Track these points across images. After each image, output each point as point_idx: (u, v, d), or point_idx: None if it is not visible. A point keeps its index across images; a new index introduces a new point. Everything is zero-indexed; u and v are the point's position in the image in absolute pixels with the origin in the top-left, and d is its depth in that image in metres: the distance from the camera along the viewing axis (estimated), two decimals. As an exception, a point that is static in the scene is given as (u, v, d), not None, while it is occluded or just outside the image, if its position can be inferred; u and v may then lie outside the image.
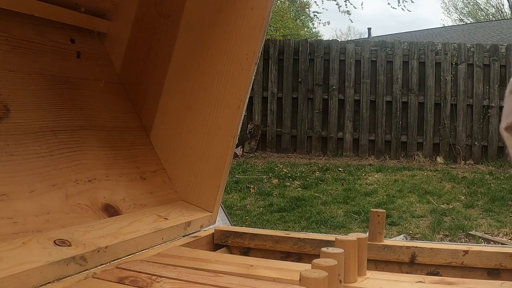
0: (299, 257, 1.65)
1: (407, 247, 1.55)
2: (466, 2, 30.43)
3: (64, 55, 1.72)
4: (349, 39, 26.69)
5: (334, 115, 8.83)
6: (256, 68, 1.70)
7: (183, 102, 1.83)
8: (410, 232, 5.04)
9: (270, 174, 7.47)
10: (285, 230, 4.51)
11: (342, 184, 6.98)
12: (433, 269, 1.54)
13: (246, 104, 1.74)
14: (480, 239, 4.71)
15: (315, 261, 1.07)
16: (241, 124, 1.75)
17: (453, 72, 8.45)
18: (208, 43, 1.78)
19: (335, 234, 3.30)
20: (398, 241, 1.73)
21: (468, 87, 8.42)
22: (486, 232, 4.99)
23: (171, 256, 1.42)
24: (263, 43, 1.71)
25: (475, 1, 30.15)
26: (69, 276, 1.20)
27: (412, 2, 11.85)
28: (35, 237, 1.24)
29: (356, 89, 8.79)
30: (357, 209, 5.78)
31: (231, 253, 1.73)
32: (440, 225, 5.22)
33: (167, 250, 1.48)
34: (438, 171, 7.65)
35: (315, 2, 20.40)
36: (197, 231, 1.73)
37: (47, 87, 1.59)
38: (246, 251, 1.72)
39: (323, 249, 1.16)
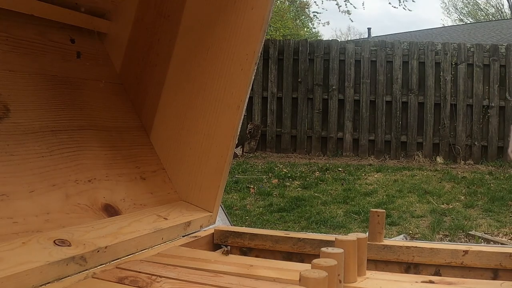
0: (299, 257, 1.65)
1: (407, 247, 1.55)
2: (466, 2, 30.45)
3: (64, 55, 1.72)
4: (349, 39, 26.74)
5: (334, 115, 8.83)
6: (256, 68, 1.70)
7: (183, 102, 1.83)
8: (410, 232, 5.04)
9: (270, 174, 7.47)
10: (285, 230, 4.51)
11: (342, 184, 6.98)
12: (433, 269, 1.54)
13: (246, 104, 1.74)
14: (480, 239, 4.71)
15: (315, 261, 1.07)
16: (241, 124, 1.75)
17: (453, 72, 8.45)
18: (208, 43, 1.78)
19: (335, 234, 3.29)
20: (398, 241, 1.72)
21: (468, 87, 8.42)
22: (486, 232, 4.99)
23: (171, 256, 1.42)
24: (263, 43, 1.71)
25: (475, 1, 30.16)
26: (69, 276, 1.20)
27: (413, 1, 11.85)
28: (35, 237, 1.24)
29: (356, 89, 8.79)
30: (357, 209, 5.78)
31: (231, 253, 1.73)
32: (440, 225, 5.22)
33: (167, 250, 1.48)
34: (438, 171, 7.66)
35: (315, 2, 20.46)
36: (197, 231, 1.73)
37: (47, 87, 1.60)
38: (246, 251, 1.72)
39: (323, 249, 1.16)
